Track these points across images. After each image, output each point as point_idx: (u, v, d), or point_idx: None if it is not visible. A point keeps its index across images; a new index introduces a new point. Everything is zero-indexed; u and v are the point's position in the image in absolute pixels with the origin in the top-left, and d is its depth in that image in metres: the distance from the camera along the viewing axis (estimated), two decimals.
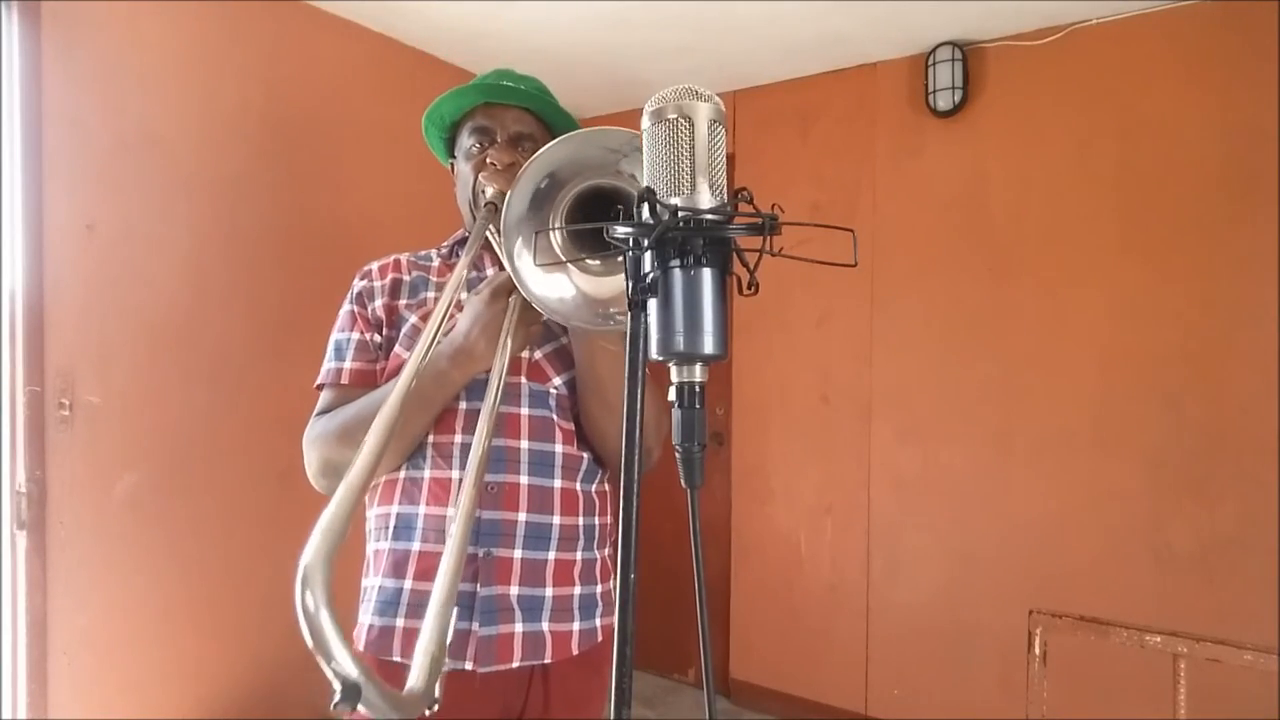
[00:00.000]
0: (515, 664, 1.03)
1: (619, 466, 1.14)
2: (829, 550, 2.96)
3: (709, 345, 0.56)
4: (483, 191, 1.10)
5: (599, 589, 1.14)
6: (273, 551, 2.23)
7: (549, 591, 1.06)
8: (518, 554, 1.04)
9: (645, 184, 0.58)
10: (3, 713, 1.78)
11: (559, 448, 1.09)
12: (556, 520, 1.08)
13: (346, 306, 1.15)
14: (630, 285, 0.58)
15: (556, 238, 0.89)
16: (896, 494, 2.83)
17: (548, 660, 1.05)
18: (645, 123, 0.59)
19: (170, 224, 2.05)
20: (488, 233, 1.04)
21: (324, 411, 1.10)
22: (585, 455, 1.13)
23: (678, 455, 0.58)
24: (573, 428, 1.11)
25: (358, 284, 1.16)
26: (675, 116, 0.57)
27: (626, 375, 0.58)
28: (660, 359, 0.58)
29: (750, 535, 3.16)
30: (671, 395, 0.58)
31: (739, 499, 3.19)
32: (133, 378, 1.98)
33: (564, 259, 0.89)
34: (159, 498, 2.02)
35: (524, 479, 1.05)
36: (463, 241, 1.20)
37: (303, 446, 1.09)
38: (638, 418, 0.56)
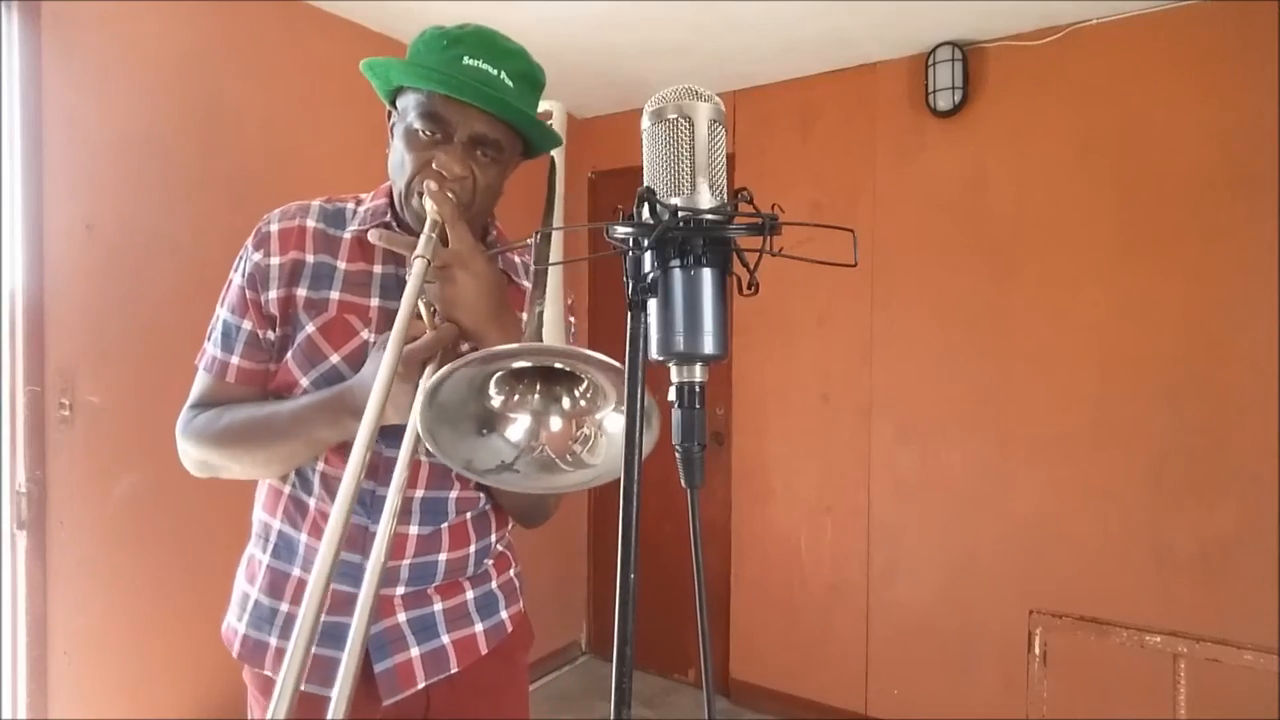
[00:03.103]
0: (420, 685, 0.98)
1: (513, 514, 1.07)
2: (829, 550, 2.96)
3: (709, 345, 0.56)
4: (419, 194, 0.92)
5: (494, 584, 1.09)
6: None
7: (438, 606, 1.02)
8: (400, 590, 1.00)
9: (645, 184, 0.58)
10: (3, 713, 1.78)
11: (454, 494, 1.03)
12: (443, 558, 1.03)
13: (238, 280, 1.00)
14: (630, 285, 0.58)
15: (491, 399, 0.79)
16: (896, 494, 2.83)
17: (454, 670, 1.01)
18: (645, 123, 0.59)
19: (170, 224, 2.05)
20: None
21: (203, 404, 1.02)
22: (480, 495, 1.06)
23: (678, 455, 0.58)
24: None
25: (253, 256, 0.99)
26: (675, 116, 0.57)
27: (627, 375, 0.58)
28: (660, 359, 0.58)
29: (750, 535, 3.16)
30: (671, 395, 0.58)
31: (739, 499, 3.19)
32: (133, 378, 1.98)
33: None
34: (159, 498, 2.01)
35: (413, 529, 0.99)
36: (380, 217, 1.01)
37: (176, 431, 1.02)
38: (638, 418, 0.56)
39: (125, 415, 1.96)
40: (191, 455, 1.02)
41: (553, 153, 1.03)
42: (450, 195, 0.90)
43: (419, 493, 1.00)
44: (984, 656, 2.63)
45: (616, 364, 0.71)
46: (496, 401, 0.79)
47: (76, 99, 1.87)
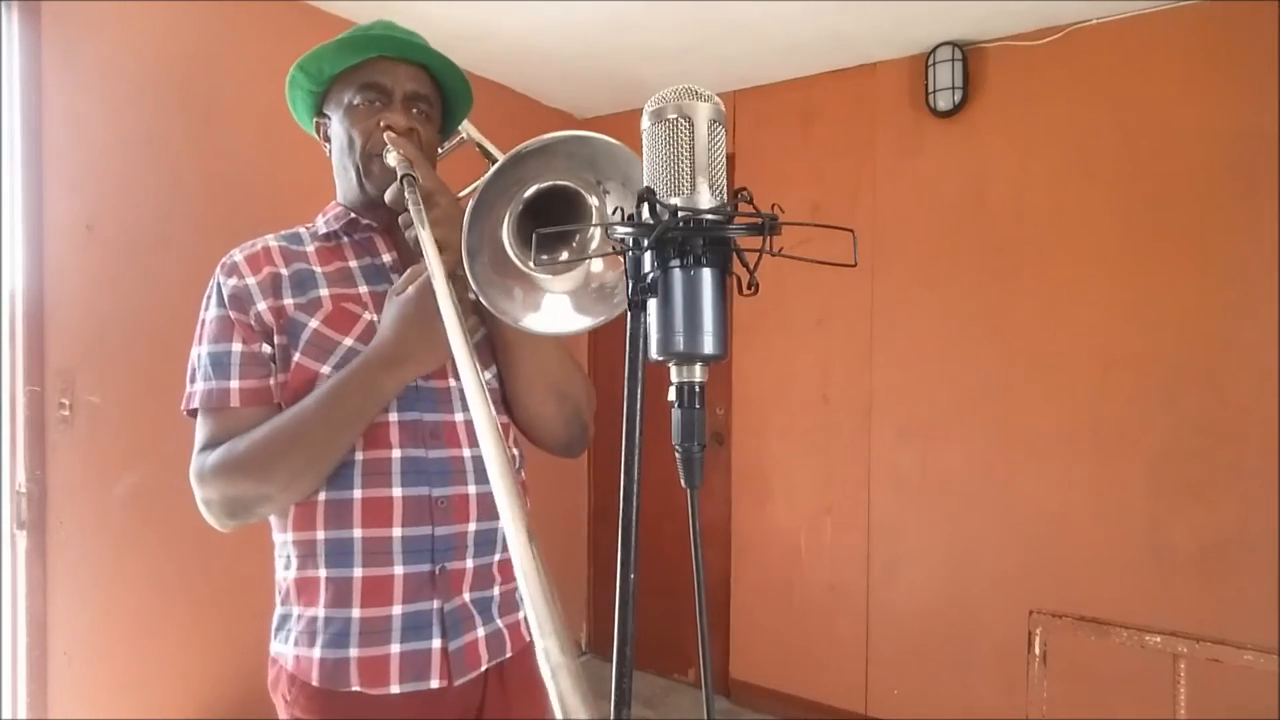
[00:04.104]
0: (484, 667, 1.01)
1: (557, 444, 1.10)
2: (829, 550, 2.96)
3: (709, 345, 0.56)
4: (378, 155, 0.99)
5: None
6: (274, 550, 2.22)
7: (496, 590, 1.05)
8: (469, 564, 1.01)
9: (645, 184, 0.58)
10: (3, 713, 1.78)
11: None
12: (501, 525, 1.05)
13: (216, 311, 0.99)
14: (630, 285, 0.58)
15: (513, 256, 0.79)
16: (896, 494, 2.83)
17: (509, 654, 1.04)
18: (645, 123, 0.59)
19: (170, 224, 2.05)
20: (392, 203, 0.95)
21: (213, 443, 0.96)
22: (517, 452, 1.10)
23: (678, 455, 0.58)
24: (507, 423, 1.08)
25: (226, 283, 0.99)
26: (675, 116, 0.57)
27: (627, 375, 0.58)
28: (660, 359, 0.58)
29: (750, 535, 3.16)
30: (671, 395, 0.58)
31: (739, 499, 3.19)
32: (133, 378, 1.98)
33: (535, 273, 0.79)
34: (159, 498, 2.01)
35: (471, 489, 1.01)
36: (352, 223, 1.06)
37: (194, 483, 0.97)
38: (638, 417, 0.56)
39: (125, 415, 1.96)
40: (217, 497, 0.96)
41: (476, 140, 1.15)
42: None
43: (467, 451, 1.02)
44: (984, 656, 2.63)
45: (613, 141, 0.71)
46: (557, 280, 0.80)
47: (77, 99, 1.87)
